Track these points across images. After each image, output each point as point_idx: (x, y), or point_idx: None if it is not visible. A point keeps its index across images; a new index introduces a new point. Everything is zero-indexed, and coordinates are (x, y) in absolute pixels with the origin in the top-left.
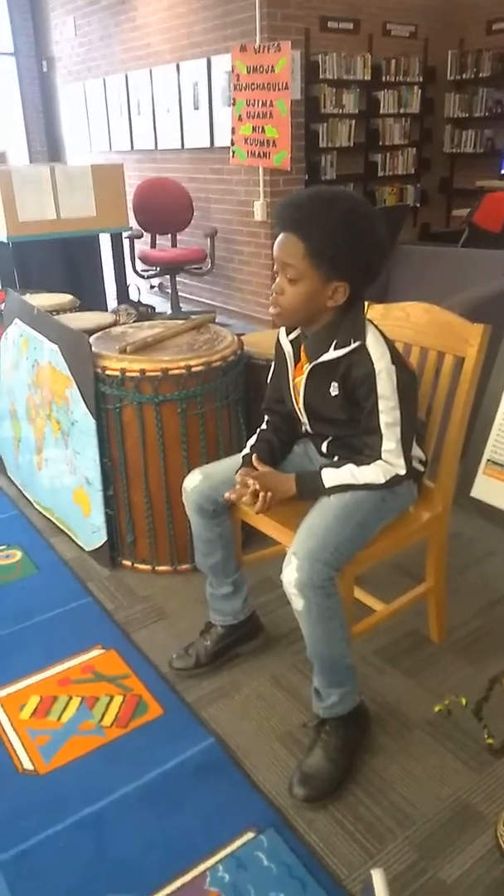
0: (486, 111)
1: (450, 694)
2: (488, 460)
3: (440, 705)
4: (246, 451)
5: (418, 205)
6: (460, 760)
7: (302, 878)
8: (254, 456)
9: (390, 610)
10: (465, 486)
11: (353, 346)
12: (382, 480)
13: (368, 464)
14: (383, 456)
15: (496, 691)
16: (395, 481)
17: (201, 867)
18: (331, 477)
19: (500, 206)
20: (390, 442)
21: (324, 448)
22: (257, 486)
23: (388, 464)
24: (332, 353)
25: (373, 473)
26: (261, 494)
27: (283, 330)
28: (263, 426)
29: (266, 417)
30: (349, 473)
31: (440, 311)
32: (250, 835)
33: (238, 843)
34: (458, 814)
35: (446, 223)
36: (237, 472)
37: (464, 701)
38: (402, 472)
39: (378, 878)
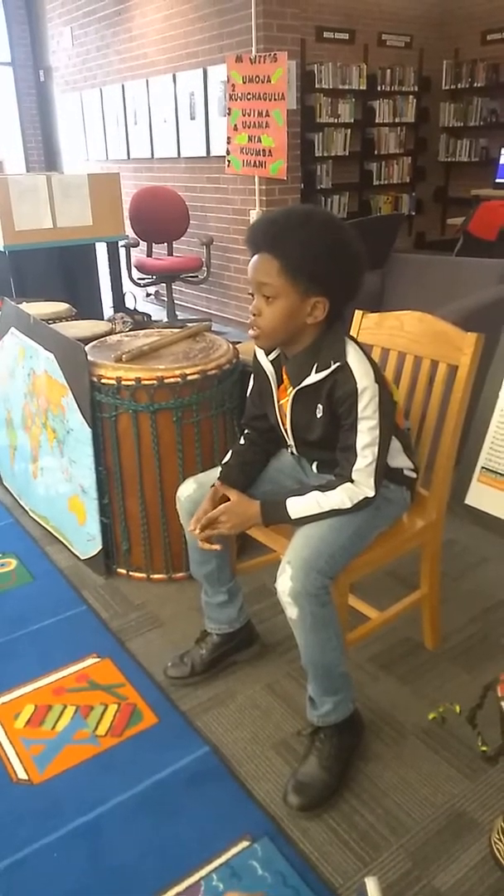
0: (480, 120)
1: (444, 701)
2: (482, 468)
3: (434, 712)
4: (221, 470)
5: (413, 213)
6: (454, 768)
7: (296, 887)
8: (218, 483)
9: (385, 617)
10: (460, 494)
11: (333, 367)
12: (349, 505)
13: (335, 487)
14: (353, 475)
15: (490, 698)
16: (361, 505)
17: (196, 876)
18: (296, 508)
19: (495, 214)
20: (363, 462)
21: (314, 468)
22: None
23: (357, 485)
24: (314, 377)
25: (338, 499)
26: (203, 533)
27: (260, 350)
28: (241, 441)
29: (245, 431)
30: (315, 502)
31: (434, 319)
32: (245, 843)
33: (232, 851)
34: (452, 821)
35: (441, 232)
36: (212, 486)
37: (458, 708)
38: (371, 494)
39: (372, 887)
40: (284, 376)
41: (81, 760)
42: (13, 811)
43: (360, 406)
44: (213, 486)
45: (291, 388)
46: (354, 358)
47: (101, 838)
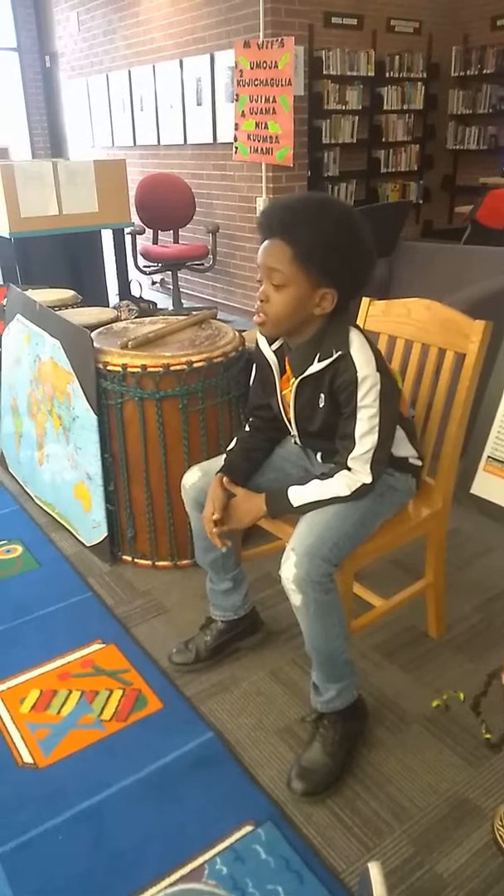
0: (489, 108)
1: (448, 689)
2: (489, 457)
3: (438, 700)
4: (225, 457)
5: (421, 201)
6: (458, 755)
7: (299, 872)
8: (225, 479)
9: (389, 605)
10: (466, 483)
11: (335, 355)
12: (347, 493)
13: (334, 475)
14: (349, 463)
15: (494, 686)
16: (360, 492)
17: (200, 860)
18: (297, 496)
19: (503, 203)
20: (361, 449)
21: (318, 457)
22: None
23: (354, 472)
24: (316, 366)
25: (336, 486)
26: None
27: (262, 339)
28: (246, 428)
29: (251, 420)
30: (315, 490)
31: (441, 307)
32: (248, 828)
33: (236, 836)
34: (455, 808)
35: (449, 220)
36: (216, 474)
37: (462, 696)
38: (368, 480)
39: (375, 872)
40: (287, 367)
41: (86, 745)
42: (18, 795)
43: (360, 394)
44: (217, 473)
45: (294, 379)
46: (357, 347)
47: (105, 822)
